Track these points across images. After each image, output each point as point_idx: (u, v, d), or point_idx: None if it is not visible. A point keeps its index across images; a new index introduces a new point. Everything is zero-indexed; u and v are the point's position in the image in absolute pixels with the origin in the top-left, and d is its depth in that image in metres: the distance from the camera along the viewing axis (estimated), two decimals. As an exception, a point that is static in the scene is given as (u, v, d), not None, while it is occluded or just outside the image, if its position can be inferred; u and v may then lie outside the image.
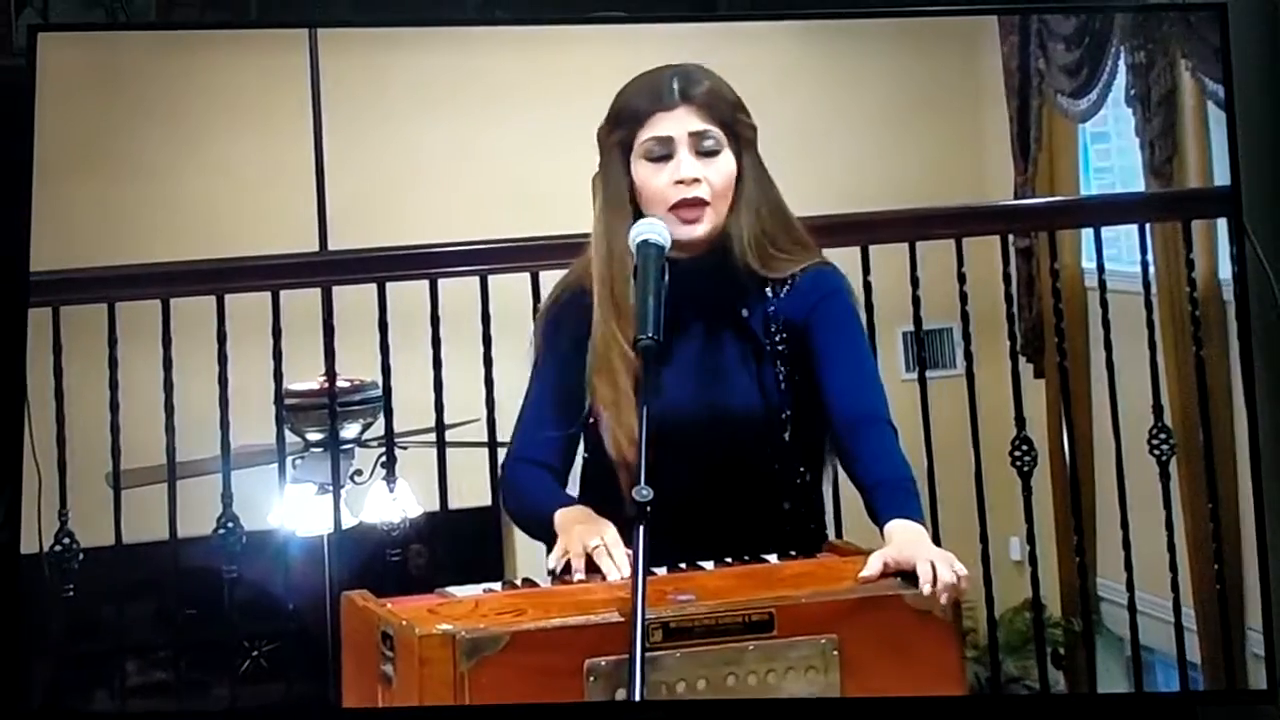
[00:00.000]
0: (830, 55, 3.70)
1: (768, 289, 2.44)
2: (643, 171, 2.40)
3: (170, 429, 3.16)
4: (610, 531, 2.29)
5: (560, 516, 2.37)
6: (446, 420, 3.27)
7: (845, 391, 2.39)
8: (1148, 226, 3.43)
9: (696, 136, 2.39)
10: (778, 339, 2.42)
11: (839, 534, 2.66)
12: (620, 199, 2.41)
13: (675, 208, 2.38)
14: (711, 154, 2.39)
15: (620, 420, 2.36)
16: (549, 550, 2.38)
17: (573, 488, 2.51)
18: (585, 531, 2.30)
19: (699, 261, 2.38)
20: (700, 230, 2.39)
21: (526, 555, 2.82)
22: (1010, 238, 3.52)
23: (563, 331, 2.47)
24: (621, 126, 2.42)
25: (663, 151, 2.38)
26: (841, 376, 2.40)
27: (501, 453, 3.19)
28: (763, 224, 2.42)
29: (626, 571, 2.21)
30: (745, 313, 2.44)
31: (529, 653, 2.02)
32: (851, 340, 2.45)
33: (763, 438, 2.42)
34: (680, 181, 2.37)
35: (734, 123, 2.41)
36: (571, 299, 2.48)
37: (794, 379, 2.42)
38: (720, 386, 2.42)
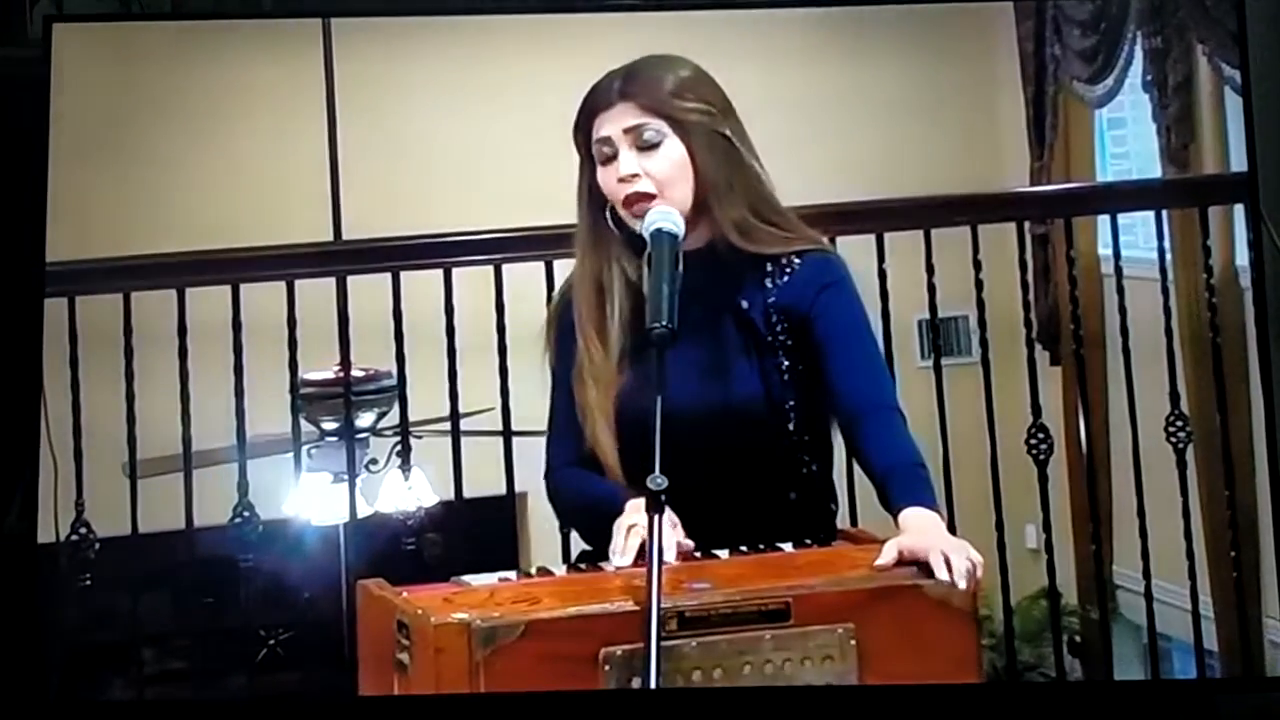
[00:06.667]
0: (846, 42, 3.69)
1: (766, 279, 2.43)
2: (599, 173, 2.41)
3: (186, 419, 3.16)
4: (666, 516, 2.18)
5: (631, 506, 2.33)
6: (461, 409, 3.28)
7: (851, 380, 2.38)
8: (1164, 213, 3.42)
9: (633, 132, 2.38)
10: (779, 329, 2.41)
11: (854, 522, 2.66)
12: (592, 201, 2.44)
13: (625, 204, 2.38)
14: (652, 146, 2.37)
15: (595, 430, 2.38)
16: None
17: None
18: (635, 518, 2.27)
19: (694, 255, 2.36)
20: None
21: (541, 544, 2.82)
22: (1026, 225, 3.51)
23: (566, 337, 2.47)
24: (579, 131, 2.44)
25: (610, 152, 2.39)
26: (847, 366, 2.38)
27: (516, 441, 3.22)
28: (738, 198, 2.40)
29: (670, 556, 2.19)
30: (745, 304, 2.43)
31: (544, 641, 2.01)
32: (856, 329, 2.43)
33: (766, 429, 2.40)
34: (621, 179, 2.38)
35: (673, 110, 2.38)
36: (569, 304, 2.48)
37: (796, 370, 2.41)
38: (722, 379, 2.40)
